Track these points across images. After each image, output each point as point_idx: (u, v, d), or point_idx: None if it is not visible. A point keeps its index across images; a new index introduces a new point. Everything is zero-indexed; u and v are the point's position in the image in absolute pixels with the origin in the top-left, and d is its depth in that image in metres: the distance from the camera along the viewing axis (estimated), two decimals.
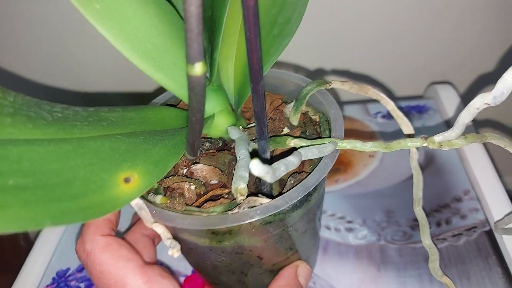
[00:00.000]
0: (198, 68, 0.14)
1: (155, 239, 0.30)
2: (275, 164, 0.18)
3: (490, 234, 0.34)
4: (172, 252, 0.21)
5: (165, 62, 0.22)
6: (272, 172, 0.17)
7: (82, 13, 0.19)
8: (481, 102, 0.18)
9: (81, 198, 0.15)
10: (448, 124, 0.45)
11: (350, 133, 0.45)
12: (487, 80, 0.57)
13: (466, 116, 0.19)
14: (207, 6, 0.24)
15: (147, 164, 0.18)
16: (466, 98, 0.59)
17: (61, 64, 0.56)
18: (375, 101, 0.50)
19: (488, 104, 0.18)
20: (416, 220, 0.29)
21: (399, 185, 0.39)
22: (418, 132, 0.44)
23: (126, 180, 0.17)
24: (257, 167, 0.16)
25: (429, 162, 0.41)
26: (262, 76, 0.18)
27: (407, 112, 0.47)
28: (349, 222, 0.36)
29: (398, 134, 0.43)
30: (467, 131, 0.21)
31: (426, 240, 0.28)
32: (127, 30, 0.20)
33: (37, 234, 0.41)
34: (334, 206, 0.38)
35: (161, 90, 0.26)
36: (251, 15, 0.15)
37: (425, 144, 0.22)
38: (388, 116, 0.48)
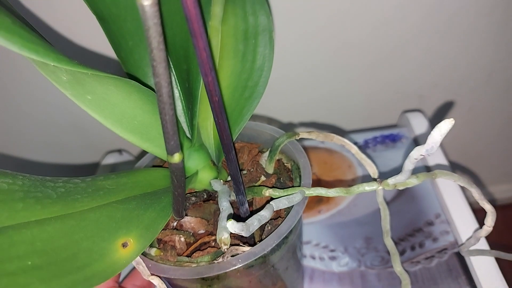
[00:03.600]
0: (176, 158, 0.17)
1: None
2: (249, 220, 0.21)
3: (459, 255, 0.37)
4: None
5: (151, 134, 0.25)
6: (246, 228, 0.21)
7: (76, 103, 0.23)
8: (417, 153, 0.21)
9: (87, 268, 0.18)
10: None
11: (330, 165, 0.49)
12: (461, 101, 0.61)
13: (409, 165, 0.23)
14: (184, 79, 0.28)
15: (140, 229, 0.21)
16: (440, 119, 0.63)
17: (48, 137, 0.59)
18: (351, 133, 0.54)
19: (423, 155, 0.21)
20: None
21: (375, 212, 0.42)
22: (392, 161, 0.48)
23: (124, 245, 0.20)
24: (233, 226, 0.20)
25: (403, 189, 0.45)
26: (233, 147, 0.21)
27: (382, 141, 0.51)
28: (332, 250, 0.39)
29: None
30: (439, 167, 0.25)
31: (397, 267, 0.31)
32: (115, 113, 0.23)
33: None
34: (318, 236, 0.41)
35: (143, 153, 0.30)
36: (217, 107, 0.18)
37: (380, 187, 0.25)
38: (364, 146, 0.51)
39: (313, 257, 0.39)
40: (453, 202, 0.41)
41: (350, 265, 0.38)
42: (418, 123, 0.52)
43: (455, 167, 0.75)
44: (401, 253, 0.38)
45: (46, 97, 0.54)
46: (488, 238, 0.37)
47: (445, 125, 0.19)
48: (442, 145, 0.48)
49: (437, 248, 0.38)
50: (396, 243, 0.39)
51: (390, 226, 0.38)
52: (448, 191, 0.42)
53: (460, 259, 0.37)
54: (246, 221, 0.21)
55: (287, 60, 0.51)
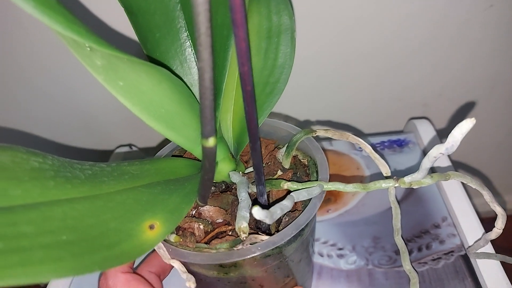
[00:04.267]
0: (211, 141, 0.18)
1: (160, 276, 0.33)
2: (272, 209, 0.22)
3: (465, 258, 0.37)
4: (189, 284, 0.24)
5: (176, 123, 0.26)
6: (270, 215, 0.21)
7: (107, 89, 0.23)
8: (437, 152, 0.22)
9: (116, 247, 0.19)
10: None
11: (339, 166, 0.50)
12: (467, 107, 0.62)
13: (427, 163, 0.23)
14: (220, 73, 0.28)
15: (166, 212, 0.22)
16: (447, 126, 0.63)
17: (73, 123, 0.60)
18: (360, 136, 0.55)
19: (443, 154, 0.22)
20: None
21: (384, 213, 0.43)
22: (399, 164, 0.49)
23: (151, 227, 0.21)
24: (258, 213, 0.20)
25: (410, 192, 0.45)
26: (258, 138, 0.22)
27: (389, 145, 0.52)
28: (340, 248, 0.40)
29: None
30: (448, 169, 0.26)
31: (406, 265, 0.32)
32: (144, 100, 0.24)
33: None
34: (327, 234, 0.42)
35: (158, 141, 0.30)
36: (249, 96, 0.19)
37: (397, 185, 0.26)
38: (380, 152, 0.52)
39: (321, 255, 0.40)
40: (460, 206, 0.42)
41: (357, 263, 0.38)
42: (425, 130, 0.52)
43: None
44: (409, 253, 0.39)
45: (56, 95, 0.55)
46: (494, 243, 0.38)
47: (467, 124, 0.20)
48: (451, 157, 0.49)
49: (444, 250, 0.38)
50: None
51: None
52: (454, 195, 0.43)
53: (466, 261, 0.37)
54: (270, 209, 0.21)
55: (303, 62, 0.52)
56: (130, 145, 0.58)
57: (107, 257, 0.19)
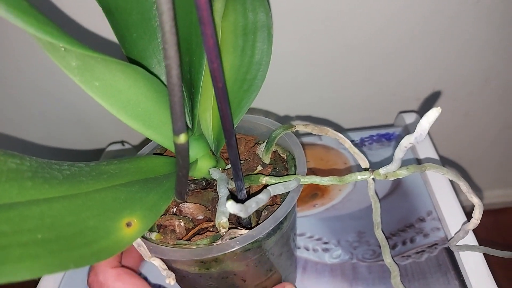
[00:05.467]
0: (182, 138, 0.18)
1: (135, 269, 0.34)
2: (247, 202, 0.22)
3: (449, 251, 0.38)
4: (168, 281, 0.25)
5: (153, 121, 0.26)
6: (244, 209, 0.22)
7: (83, 89, 0.24)
8: (407, 142, 0.23)
9: (94, 244, 0.19)
10: (413, 150, 0.49)
11: (326, 161, 0.50)
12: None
13: (399, 153, 0.24)
14: (186, 70, 0.29)
15: (144, 210, 0.22)
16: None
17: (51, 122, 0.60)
18: (348, 131, 0.55)
19: (412, 143, 0.23)
20: None
21: (369, 208, 0.43)
22: (386, 158, 0.49)
23: (128, 225, 0.21)
24: (232, 206, 0.21)
25: (396, 186, 0.46)
26: (234, 134, 0.22)
27: (378, 139, 0.52)
28: (325, 243, 0.41)
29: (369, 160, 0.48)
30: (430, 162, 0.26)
31: (387, 258, 0.32)
32: (121, 100, 0.24)
33: None
34: (313, 229, 0.42)
35: (144, 143, 0.31)
36: (221, 93, 0.19)
37: (372, 176, 0.26)
38: (360, 144, 0.52)
39: (307, 249, 0.40)
40: (445, 200, 0.42)
41: (342, 257, 0.39)
42: (414, 123, 0.53)
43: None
44: (393, 247, 0.39)
45: (51, 89, 0.55)
46: (478, 238, 0.38)
47: (433, 113, 0.20)
48: (436, 148, 0.49)
49: (427, 243, 0.39)
50: (388, 238, 0.40)
51: (383, 221, 0.40)
52: (440, 189, 0.43)
53: (450, 254, 0.38)
54: (245, 203, 0.22)
55: (287, 57, 0.53)
56: (122, 142, 0.58)
57: (85, 254, 0.19)
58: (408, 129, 0.52)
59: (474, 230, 0.34)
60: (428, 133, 0.52)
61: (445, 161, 0.74)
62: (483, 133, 0.70)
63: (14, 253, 0.16)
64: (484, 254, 0.37)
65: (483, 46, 0.54)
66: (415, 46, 0.53)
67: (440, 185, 0.43)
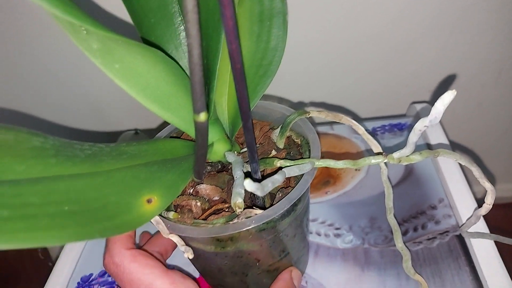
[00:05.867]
0: (202, 116, 0.19)
1: (163, 255, 0.34)
2: (264, 182, 0.23)
3: (460, 238, 0.38)
4: (187, 255, 0.26)
5: (172, 104, 0.27)
6: (261, 188, 0.22)
7: (104, 71, 0.24)
8: (421, 125, 0.23)
9: (116, 218, 0.20)
10: (425, 138, 0.50)
11: (339, 149, 0.50)
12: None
13: (413, 137, 0.24)
14: (203, 55, 0.29)
15: (163, 188, 0.23)
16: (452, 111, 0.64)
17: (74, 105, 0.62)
18: (361, 120, 0.55)
19: (427, 126, 0.23)
20: None
21: (381, 194, 0.44)
22: (398, 147, 0.50)
23: (148, 201, 0.22)
24: (249, 185, 0.21)
25: (408, 174, 0.46)
26: (250, 116, 0.23)
27: (390, 129, 0.53)
28: (337, 228, 0.41)
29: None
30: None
31: (399, 243, 0.33)
32: (140, 82, 0.25)
33: (57, 249, 0.46)
34: (325, 215, 0.43)
35: (162, 126, 0.32)
36: (239, 74, 0.20)
37: (386, 160, 0.27)
38: (373, 132, 0.53)
39: (319, 234, 0.41)
40: (456, 188, 0.42)
41: (354, 242, 0.39)
42: (426, 113, 0.53)
43: None
44: (404, 233, 0.40)
45: (67, 77, 0.57)
46: (490, 225, 0.38)
47: (448, 96, 0.21)
48: (448, 136, 0.49)
49: (439, 230, 0.39)
50: (400, 224, 0.40)
51: (395, 207, 0.40)
52: (451, 177, 0.43)
53: (461, 241, 0.38)
54: (261, 182, 0.22)
55: (302, 46, 0.53)
56: (136, 130, 0.59)
57: (107, 226, 0.20)
58: (420, 117, 0.52)
59: (497, 221, 0.34)
60: (440, 121, 0.52)
61: (456, 150, 0.74)
62: (496, 124, 0.70)
63: (43, 222, 0.17)
64: (495, 242, 0.37)
65: (496, 38, 0.54)
66: (428, 37, 0.53)
67: (451, 173, 0.43)
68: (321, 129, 0.54)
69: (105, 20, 0.49)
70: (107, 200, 0.21)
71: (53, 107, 0.62)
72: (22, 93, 0.60)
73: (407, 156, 0.27)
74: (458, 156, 0.28)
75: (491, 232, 0.38)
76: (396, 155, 0.27)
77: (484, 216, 0.37)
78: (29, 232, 0.17)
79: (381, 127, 0.53)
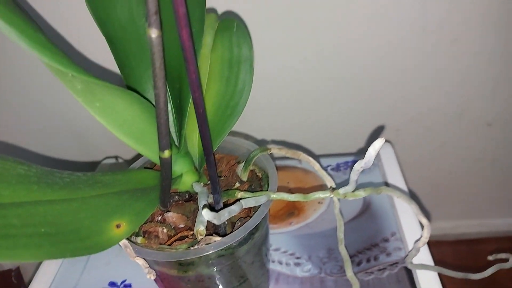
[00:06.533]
0: (166, 153, 0.22)
1: None
2: (221, 212, 0.26)
3: (408, 269, 0.42)
4: (149, 276, 0.28)
5: (145, 139, 0.30)
6: (218, 217, 0.25)
7: (86, 109, 0.27)
8: (358, 166, 0.27)
9: (88, 240, 0.23)
10: (384, 176, 0.54)
11: (305, 183, 0.54)
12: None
13: (353, 176, 0.28)
14: (176, 96, 0.33)
15: (131, 215, 0.26)
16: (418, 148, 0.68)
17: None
18: (326, 156, 0.59)
19: (363, 167, 0.27)
20: (350, 256, 0.36)
21: None
22: (360, 184, 0.53)
23: (117, 226, 0.25)
24: (207, 214, 0.25)
25: (366, 208, 0.50)
26: (212, 152, 0.26)
27: (352, 166, 0.56)
28: (298, 258, 0.44)
29: (344, 183, 0.52)
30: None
31: (349, 272, 0.36)
32: (118, 119, 0.28)
33: (30, 272, 0.47)
34: (287, 245, 0.46)
35: (140, 155, 0.34)
36: (202, 117, 0.23)
37: (332, 195, 0.30)
38: (336, 168, 0.57)
39: (280, 262, 0.43)
40: (407, 223, 0.46)
41: (312, 271, 0.42)
42: (386, 152, 0.57)
43: (424, 198, 0.80)
44: (358, 264, 0.43)
45: (51, 105, 0.59)
46: (453, 265, 0.42)
47: (378, 143, 0.24)
48: (404, 175, 0.54)
49: (389, 261, 0.43)
50: (354, 255, 0.43)
51: (352, 239, 0.43)
52: (404, 213, 0.47)
53: (408, 273, 0.41)
54: (218, 212, 0.25)
55: (268, 86, 0.57)
56: (116, 157, 0.61)
57: (79, 247, 0.22)
58: (381, 157, 0.56)
59: (448, 257, 0.38)
60: (399, 161, 0.57)
61: (421, 189, 0.78)
62: (458, 163, 0.75)
63: (22, 241, 0.20)
64: (439, 275, 0.41)
65: (459, 83, 0.59)
66: (395, 80, 0.58)
67: (404, 209, 0.47)
68: (290, 163, 0.58)
69: (93, 67, 0.53)
70: (80, 224, 0.24)
71: (36, 137, 0.64)
72: (6, 123, 0.62)
73: (352, 192, 0.30)
74: (398, 193, 0.32)
75: (456, 267, 0.41)
76: (341, 190, 0.30)
77: (443, 251, 0.41)
78: (9, 250, 0.19)
79: (344, 163, 0.57)
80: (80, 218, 0.24)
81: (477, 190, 0.80)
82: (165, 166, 0.23)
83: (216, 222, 0.25)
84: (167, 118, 0.21)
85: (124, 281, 0.44)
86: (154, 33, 0.18)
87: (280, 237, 0.47)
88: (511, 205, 0.84)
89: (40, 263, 0.48)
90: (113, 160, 0.62)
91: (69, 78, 0.25)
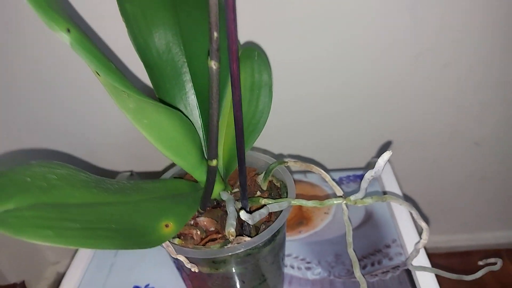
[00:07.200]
0: (214, 162, 0.26)
1: None
2: (253, 213, 0.30)
3: (408, 272, 0.46)
4: (194, 269, 0.32)
5: (182, 151, 0.34)
6: (252, 218, 0.30)
7: (134, 125, 0.32)
8: (369, 175, 0.31)
9: (145, 236, 0.27)
10: (383, 189, 0.58)
11: (312, 195, 0.58)
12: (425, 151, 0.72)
13: (364, 184, 0.33)
14: (206, 117, 0.37)
15: (176, 216, 0.30)
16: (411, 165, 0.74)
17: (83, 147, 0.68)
18: (330, 171, 0.64)
19: (373, 176, 0.31)
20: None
21: (345, 235, 0.51)
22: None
23: (166, 226, 0.29)
24: (243, 215, 0.29)
25: (368, 218, 0.54)
26: (245, 162, 0.30)
27: (354, 179, 0.61)
28: (308, 262, 0.48)
29: (347, 194, 0.56)
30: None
31: (357, 272, 0.40)
32: (161, 134, 0.32)
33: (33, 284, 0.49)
34: (298, 251, 0.50)
35: (155, 168, 0.39)
36: (240, 133, 0.28)
37: (344, 201, 0.35)
38: (339, 182, 0.61)
39: (292, 267, 0.47)
40: (407, 231, 0.51)
41: (322, 274, 0.46)
42: (384, 168, 0.62)
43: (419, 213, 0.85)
44: (363, 267, 0.47)
45: (65, 125, 0.63)
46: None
47: (386, 155, 0.29)
48: (401, 186, 0.58)
49: (392, 265, 0.47)
50: (360, 260, 0.48)
51: (356, 246, 0.48)
52: (403, 221, 0.52)
53: (409, 275, 0.46)
54: (252, 213, 0.30)
55: (284, 108, 0.62)
56: (131, 172, 0.65)
57: (140, 242, 0.27)
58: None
59: (441, 268, 0.42)
60: (396, 175, 0.61)
61: (416, 204, 0.83)
62: (450, 180, 0.80)
63: (100, 233, 0.24)
64: (437, 276, 0.45)
65: (449, 105, 0.65)
66: (392, 102, 0.63)
67: (403, 218, 0.52)
68: (296, 176, 0.62)
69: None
70: (137, 223, 0.28)
71: (51, 155, 0.68)
72: (19, 135, 0.66)
73: (361, 199, 0.35)
74: (401, 201, 0.37)
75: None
76: (352, 197, 0.35)
77: (436, 262, 0.45)
78: (91, 239, 0.23)
79: (346, 177, 0.62)
80: (136, 218, 0.28)
81: (468, 205, 0.85)
82: (212, 173, 0.27)
83: (250, 222, 0.29)
84: (217, 132, 0.26)
85: (148, 285, 0.48)
86: (215, 65, 0.22)
87: (291, 244, 0.51)
88: (500, 219, 0.89)
89: (55, 276, 0.51)
90: (128, 174, 0.66)
91: (123, 97, 0.30)
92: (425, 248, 0.49)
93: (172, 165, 0.41)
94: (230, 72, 0.25)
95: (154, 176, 0.69)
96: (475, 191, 0.81)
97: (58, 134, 0.65)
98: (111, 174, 0.71)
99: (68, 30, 0.23)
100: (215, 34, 0.21)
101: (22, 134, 0.66)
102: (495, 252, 0.92)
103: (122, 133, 0.64)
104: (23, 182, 0.24)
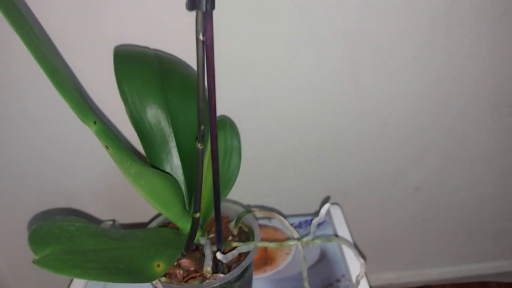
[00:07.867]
0: (198, 214, 0.35)
1: None
2: (227, 254, 0.39)
3: None
4: None
5: (169, 205, 0.43)
6: (225, 258, 0.38)
7: (133, 185, 0.40)
8: (315, 221, 0.41)
9: (142, 273, 0.35)
10: (335, 231, 0.68)
11: (275, 237, 0.67)
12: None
13: (312, 228, 0.42)
14: (188, 174, 0.46)
15: (165, 258, 0.38)
16: (363, 210, 0.84)
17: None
18: (292, 216, 0.73)
19: (318, 222, 0.41)
20: None
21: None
22: (317, 235, 0.67)
23: (158, 266, 0.37)
24: (219, 255, 0.37)
25: (323, 256, 0.63)
26: (220, 215, 0.39)
27: (310, 223, 0.71)
28: None
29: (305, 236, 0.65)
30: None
31: None
32: (155, 192, 0.41)
33: None
34: None
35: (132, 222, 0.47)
36: (216, 190, 0.37)
37: (298, 243, 0.44)
38: (299, 226, 0.71)
39: None
40: (353, 267, 0.60)
41: None
42: (335, 212, 0.72)
43: (371, 251, 0.95)
44: None
45: (47, 178, 0.70)
46: None
47: (326, 206, 0.39)
48: (352, 232, 0.68)
49: None
50: None
51: (312, 281, 0.56)
52: (351, 259, 0.61)
53: None
54: (225, 254, 0.38)
55: (251, 167, 0.72)
56: (113, 221, 0.72)
57: (140, 277, 0.35)
58: (332, 217, 0.71)
59: None
60: (347, 219, 0.71)
61: (369, 244, 0.93)
62: (396, 222, 0.90)
63: (113, 271, 0.32)
64: None
65: (391, 154, 0.76)
66: (342, 155, 0.74)
67: (351, 256, 0.61)
68: (262, 222, 0.71)
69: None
70: (136, 263, 0.36)
71: (32, 207, 0.73)
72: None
73: (311, 240, 0.44)
74: (343, 241, 0.46)
75: None
76: (305, 239, 0.44)
77: None
78: (108, 276, 0.31)
79: (305, 221, 0.71)
80: (136, 260, 0.36)
81: (414, 244, 0.96)
82: (195, 223, 0.36)
83: (224, 261, 0.37)
84: (201, 192, 0.34)
85: None
86: (201, 146, 0.32)
87: (258, 282, 0.59)
88: (443, 256, 1.00)
89: None
90: (110, 223, 0.73)
91: (127, 164, 0.39)
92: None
93: (158, 215, 0.49)
94: (211, 148, 0.34)
95: (135, 225, 0.76)
96: (419, 231, 0.92)
97: (39, 188, 0.71)
98: (96, 222, 0.77)
99: (95, 123, 0.32)
100: (202, 127, 0.31)
101: None
102: (440, 286, 1.02)
103: (102, 181, 0.71)
104: (54, 234, 0.32)
